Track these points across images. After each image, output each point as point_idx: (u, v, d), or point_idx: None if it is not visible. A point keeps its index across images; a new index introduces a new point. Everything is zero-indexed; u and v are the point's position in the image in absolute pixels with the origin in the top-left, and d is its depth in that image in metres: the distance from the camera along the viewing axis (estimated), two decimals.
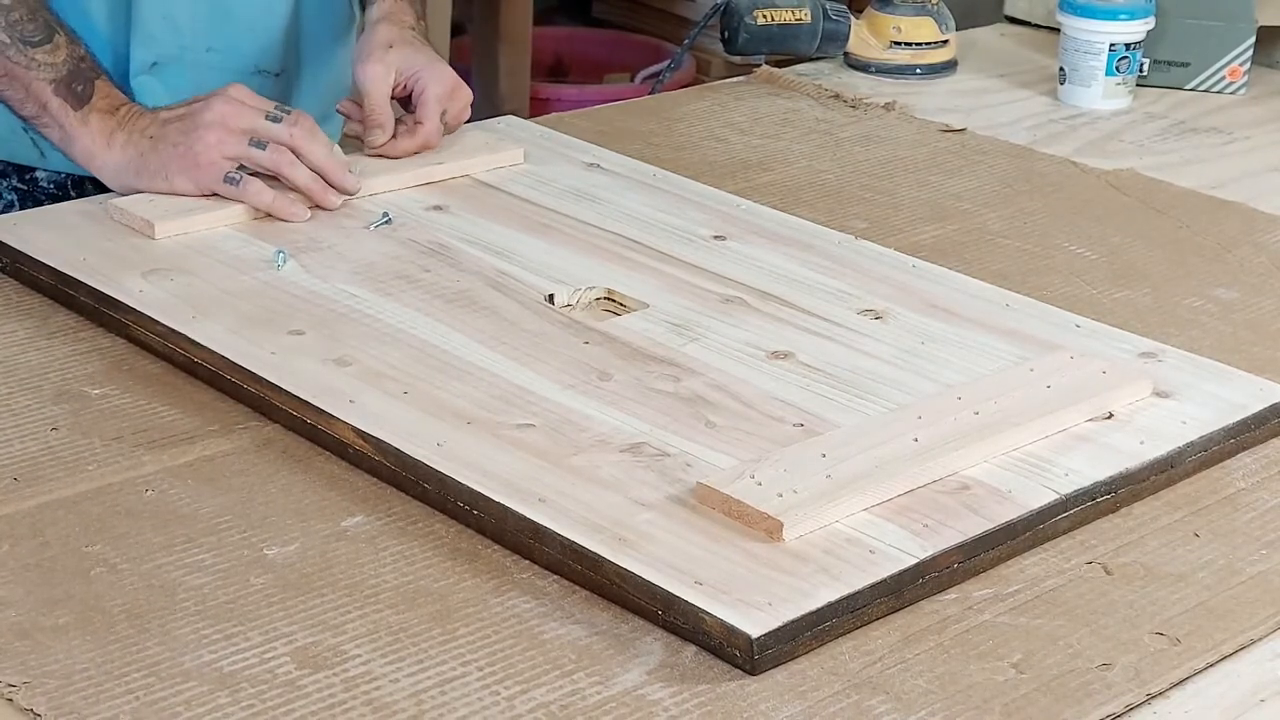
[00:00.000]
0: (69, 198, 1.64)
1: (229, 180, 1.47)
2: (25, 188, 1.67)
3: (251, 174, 1.49)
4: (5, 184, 1.68)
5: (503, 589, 1.04)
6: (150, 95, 1.61)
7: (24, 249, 1.41)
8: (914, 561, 1.04)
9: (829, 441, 1.14)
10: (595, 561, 1.03)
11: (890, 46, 2.05)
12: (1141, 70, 2.01)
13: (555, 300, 1.37)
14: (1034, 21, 2.25)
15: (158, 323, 1.30)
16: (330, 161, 1.51)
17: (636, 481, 1.11)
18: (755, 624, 0.98)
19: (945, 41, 2.07)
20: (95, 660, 0.96)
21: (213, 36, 1.65)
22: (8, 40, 1.49)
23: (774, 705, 0.95)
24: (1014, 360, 1.29)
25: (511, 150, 1.65)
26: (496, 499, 1.09)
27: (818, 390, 1.24)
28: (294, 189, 1.50)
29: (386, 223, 1.48)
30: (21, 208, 1.66)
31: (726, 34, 2.01)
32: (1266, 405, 1.25)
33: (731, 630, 0.98)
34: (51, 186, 1.67)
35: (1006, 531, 1.09)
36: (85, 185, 1.64)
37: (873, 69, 2.05)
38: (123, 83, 1.61)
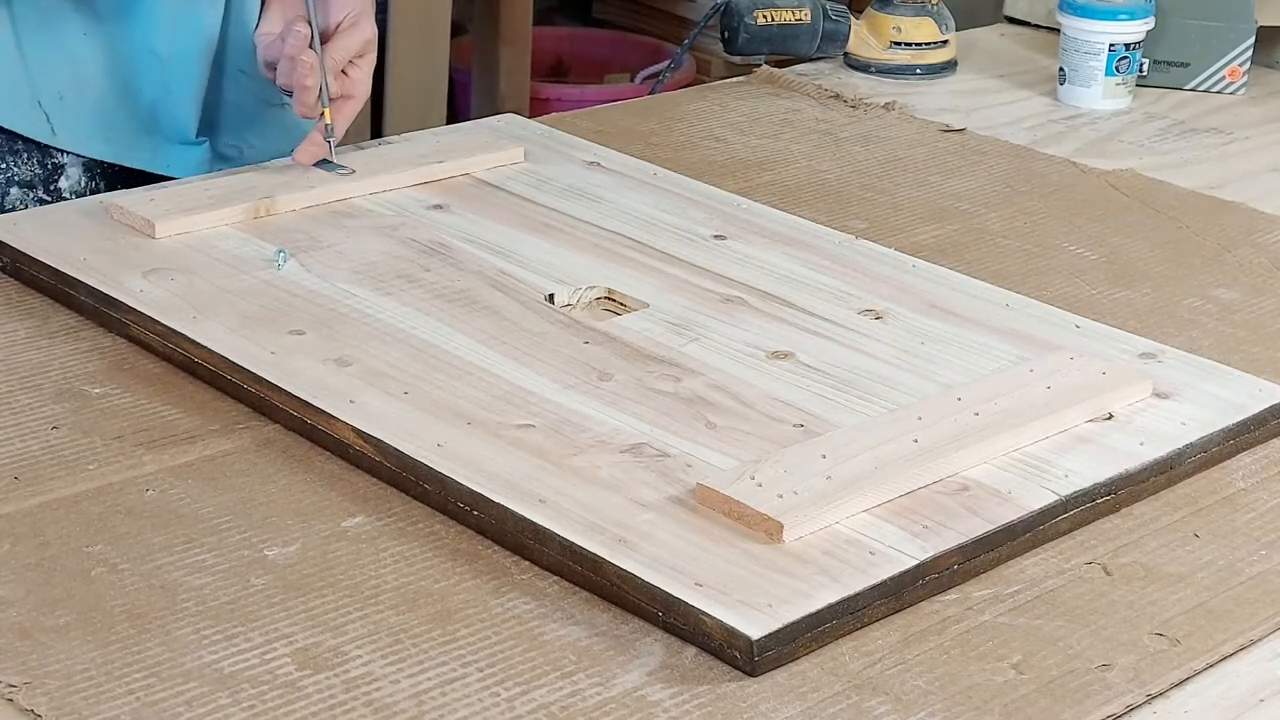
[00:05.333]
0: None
1: None
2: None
3: None
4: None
5: (503, 590, 1.04)
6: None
7: (24, 248, 1.41)
8: (914, 563, 1.04)
9: (829, 442, 1.14)
10: (595, 562, 1.03)
11: (890, 47, 2.05)
12: (1141, 70, 2.00)
13: (555, 300, 1.37)
14: (1034, 22, 2.25)
15: (158, 322, 1.30)
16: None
17: (636, 482, 1.11)
18: (755, 625, 0.98)
19: (945, 42, 2.07)
20: (96, 660, 0.96)
21: None
22: None
23: (774, 706, 0.95)
24: (1014, 360, 1.29)
25: (511, 149, 1.65)
26: (496, 500, 1.09)
27: (818, 390, 1.24)
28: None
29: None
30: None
31: (726, 34, 2.01)
32: (1266, 406, 1.25)
33: (732, 632, 0.98)
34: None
35: (1006, 532, 1.09)
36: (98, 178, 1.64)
37: (873, 69, 2.05)
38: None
